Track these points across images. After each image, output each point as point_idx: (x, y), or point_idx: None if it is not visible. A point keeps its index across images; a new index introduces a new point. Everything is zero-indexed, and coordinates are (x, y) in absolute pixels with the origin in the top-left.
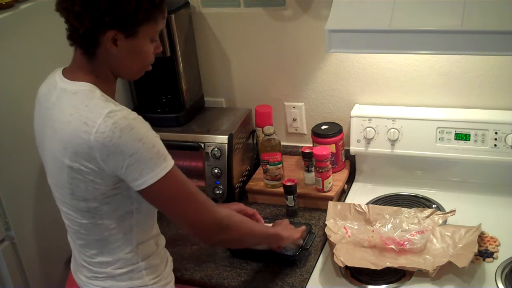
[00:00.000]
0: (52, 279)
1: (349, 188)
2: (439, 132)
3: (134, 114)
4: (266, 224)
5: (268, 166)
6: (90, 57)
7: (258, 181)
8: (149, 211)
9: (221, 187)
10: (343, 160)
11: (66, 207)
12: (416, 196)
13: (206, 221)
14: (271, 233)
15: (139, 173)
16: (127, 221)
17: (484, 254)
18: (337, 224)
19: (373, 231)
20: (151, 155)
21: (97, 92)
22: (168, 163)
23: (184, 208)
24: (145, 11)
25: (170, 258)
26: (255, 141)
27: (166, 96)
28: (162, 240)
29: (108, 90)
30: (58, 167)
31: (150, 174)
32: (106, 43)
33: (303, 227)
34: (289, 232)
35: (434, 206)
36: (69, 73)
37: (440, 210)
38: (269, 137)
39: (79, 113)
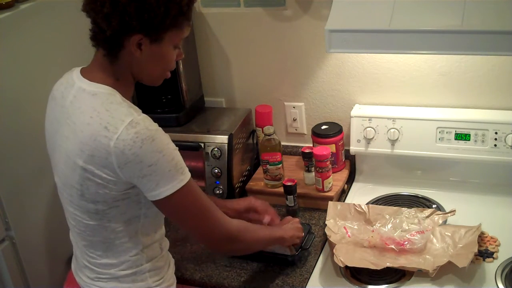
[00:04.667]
0: (52, 279)
1: (349, 188)
2: (439, 132)
3: (155, 125)
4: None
5: (268, 166)
6: (112, 59)
7: (258, 181)
8: (156, 216)
9: (221, 187)
10: (343, 160)
11: (73, 208)
12: (416, 196)
13: (218, 234)
14: (276, 237)
15: (155, 184)
16: (133, 225)
17: (484, 254)
18: (337, 224)
19: (373, 231)
20: (169, 167)
21: (117, 96)
22: (185, 176)
23: (197, 221)
24: (172, 17)
25: (173, 261)
26: (255, 141)
27: (166, 96)
28: (166, 243)
29: (127, 93)
30: (70, 167)
31: (167, 186)
32: (130, 46)
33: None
34: (291, 232)
35: (434, 206)
36: (88, 73)
37: (440, 210)
38: (269, 137)
39: (100, 116)
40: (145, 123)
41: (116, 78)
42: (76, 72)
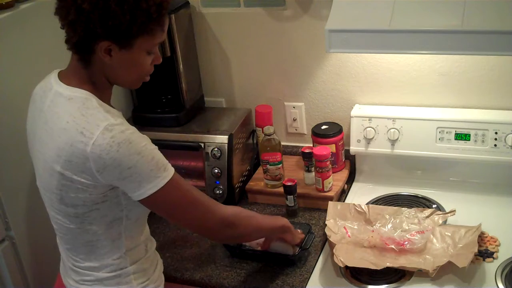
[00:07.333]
0: (52, 279)
1: (349, 188)
2: (439, 132)
3: (132, 129)
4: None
5: (268, 166)
6: (85, 64)
7: (258, 181)
8: (139, 218)
9: (221, 187)
10: (343, 160)
11: (54, 211)
12: (416, 196)
13: (211, 222)
14: (279, 225)
15: (138, 184)
16: (116, 228)
17: (484, 254)
18: (337, 224)
19: (373, 231)
20: (150, 167)
21: (93, 100)
22: (168, 172)
23: (187, 214)
24: (140, 24)
25: (160, 261)
26: (255, 141)
27: (166, 96)
28: (152, 244)
29: (104, 96)
30: (48, 172)
31: (150, 185)
32: (99, 52)
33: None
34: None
35: (434, 206)
36: (64, 77)
37: (440, 210)
38: (269, 137)
39: (75, 121)
40: (121, 127)
41: (92, 82)
42: (54, 75)
